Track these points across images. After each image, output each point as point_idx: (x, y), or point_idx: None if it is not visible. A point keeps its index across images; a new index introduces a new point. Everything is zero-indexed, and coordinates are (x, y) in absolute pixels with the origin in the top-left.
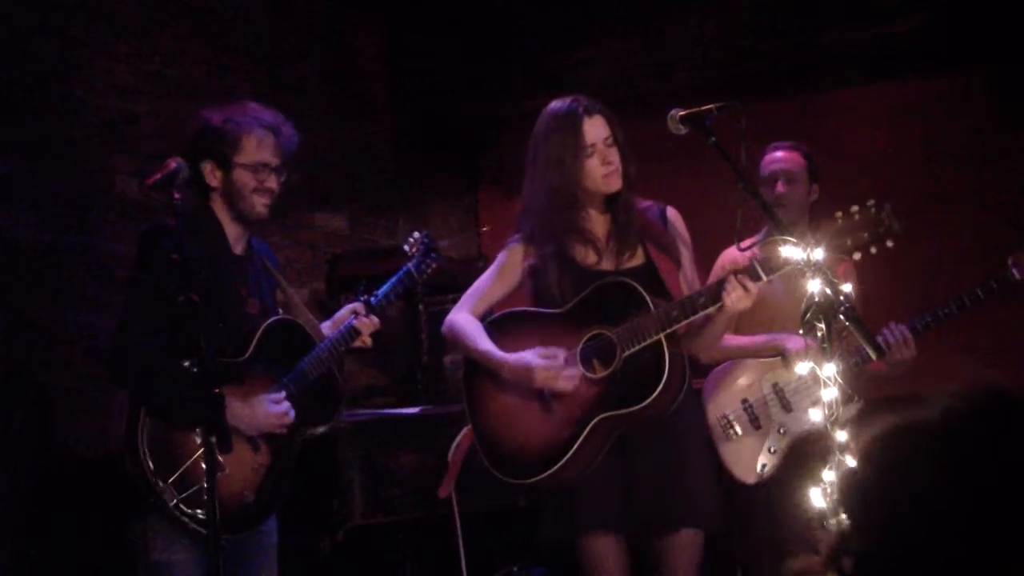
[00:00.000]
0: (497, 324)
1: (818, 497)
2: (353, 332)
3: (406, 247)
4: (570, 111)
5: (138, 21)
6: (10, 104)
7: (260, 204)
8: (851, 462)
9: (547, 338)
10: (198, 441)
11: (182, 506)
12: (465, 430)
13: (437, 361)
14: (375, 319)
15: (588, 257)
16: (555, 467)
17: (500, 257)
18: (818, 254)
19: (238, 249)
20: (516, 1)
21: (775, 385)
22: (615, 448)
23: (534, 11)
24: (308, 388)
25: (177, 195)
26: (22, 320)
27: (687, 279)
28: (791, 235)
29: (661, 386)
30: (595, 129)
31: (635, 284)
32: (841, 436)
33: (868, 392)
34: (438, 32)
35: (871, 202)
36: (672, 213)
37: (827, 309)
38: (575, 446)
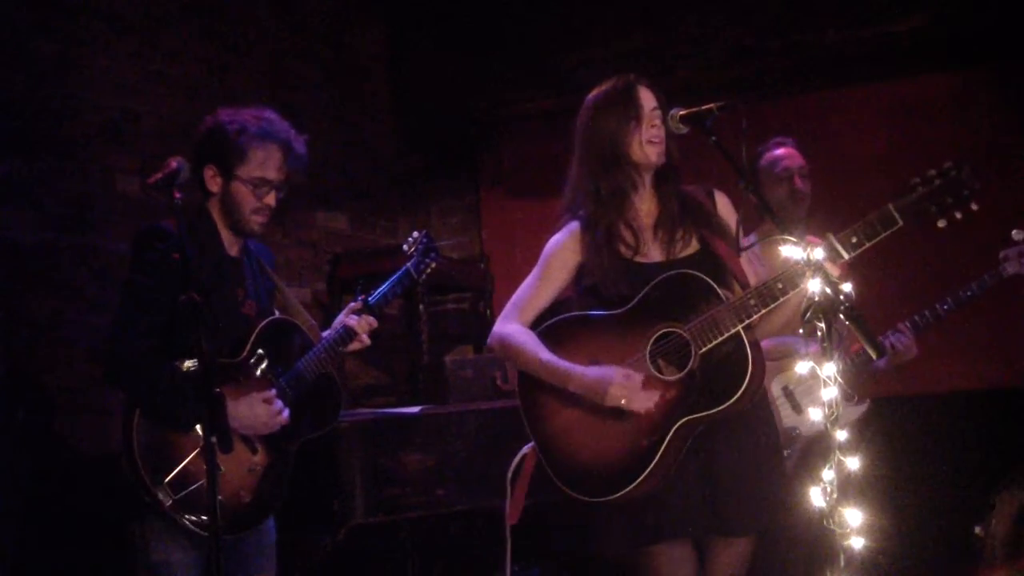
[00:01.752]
0: (551, 332)
1: (818, 497)
2: (349, 332)
3: (405, 246)
4: (623, 81)
5: (139, 20)
6: (11, 103)
7: (255, 221)
8: (852, 463)
9: (610, 343)
10: (194, 441)
11: (178, 506)
12: (526, 450)
13: (438, 361)
14: (371, 318)
15: (639, 249)
16: (639, 479)
17: (547, 258)
18: (818, 253)
19: (233, 251)
20: (518, 1)
21: (785, 388)
22: (691, 448)
23: (536, 11)
24: (307, 389)
25: (178, 194)
26: (22, 319)
27: (750, 264)
28: (792, 233)
29: (747, 381)
30: (646, 97)
31: (701, 275)
32: (841, 436)
33: (875, 392)
34: (440, 32)
35: (948, 164)
36: (720, 195)
37: (828, 308)
38: (658, 455)
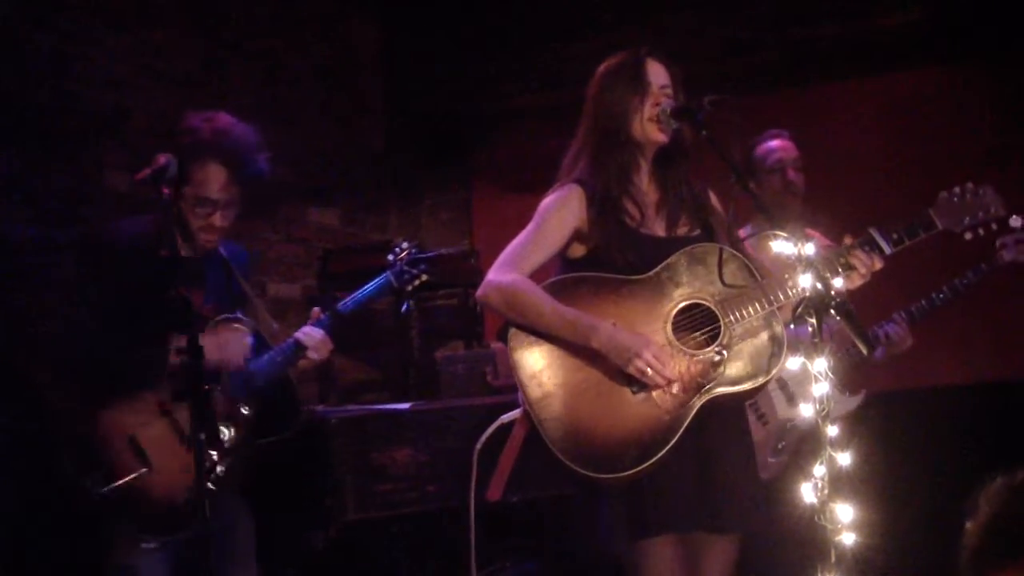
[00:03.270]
0: (561, 288)
1: (809, 492)
2: (298, 347)
3: (391, 256)
4: (633, 54)
5: (132, 15)
6: (3, 98)
7: (202, 239)
8: (843, 458)
9: (628, 308)
10: (120, 430)
11: (109, 501)
12: (507, 418)
13: (428, 357)
14: (321, 337)
15: (643, 223)
16: (658, 455)
17: (544, 216)
18: (809, 248)
19: (185, 250)
20: None
21: (779, 379)
22: (693, 431)
23: (528, 7)
24: (257, 393)
25: (166, 190)
26: (12, 314)
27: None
28: (787, 226)
29: (782, 360)
30: (656, 72)
31: (735, 251)
32: (832, 431)
33: (868, 386)
34: (433, 28)
35: (971, 184)
36: (712, 193)
37: (818, 303)
38: (680, 430)
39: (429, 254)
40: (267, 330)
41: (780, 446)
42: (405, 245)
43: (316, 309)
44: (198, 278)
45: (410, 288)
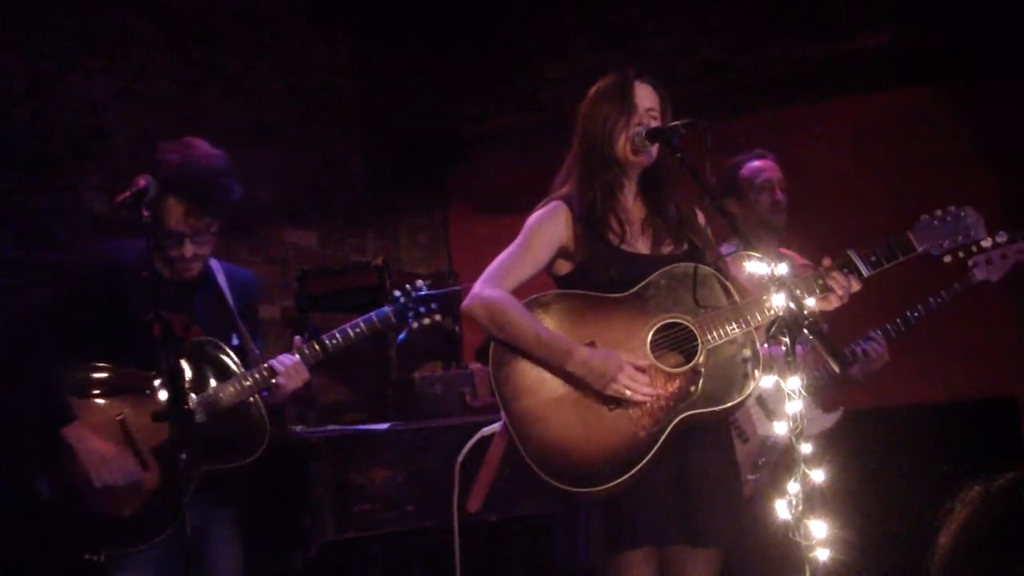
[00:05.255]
0: (542, 305)
1: (784, 509)
2: (269, 371)
3: (398, 292)
4: (621, 75)
5: (108, 36)
6: None
7: (179, 268)
8: (817, 475)
9: (607, 326)
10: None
11: (61, 519)
12: (487, 432)
13: (407, 377)
14: (293, 364)
15: (625, 239)
16: (633, 471)
17: (530, 233)
18: (782, 268)
19: (168, 273)
20: (488, 19)
21: (759, 396)
22: (672, 447)
23: (506, 29)
24: (220, 416)
25: (146, 212)
26: None
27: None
28: (763, 246)
29: (756, 380)
30: (644, 94)
31: (715, 271)
32: (806, 448)
33: (849, 403)
34: (410, 49)
35: (952, 207)
36: (699, 212)
37: (791, 323)
38: (656, 447)
39: (436, 292)
40: (252, 357)
41: (760, 462)
42: (419, 283)
43: (298, 338)
44: (183, 302)
45: (416, 325)
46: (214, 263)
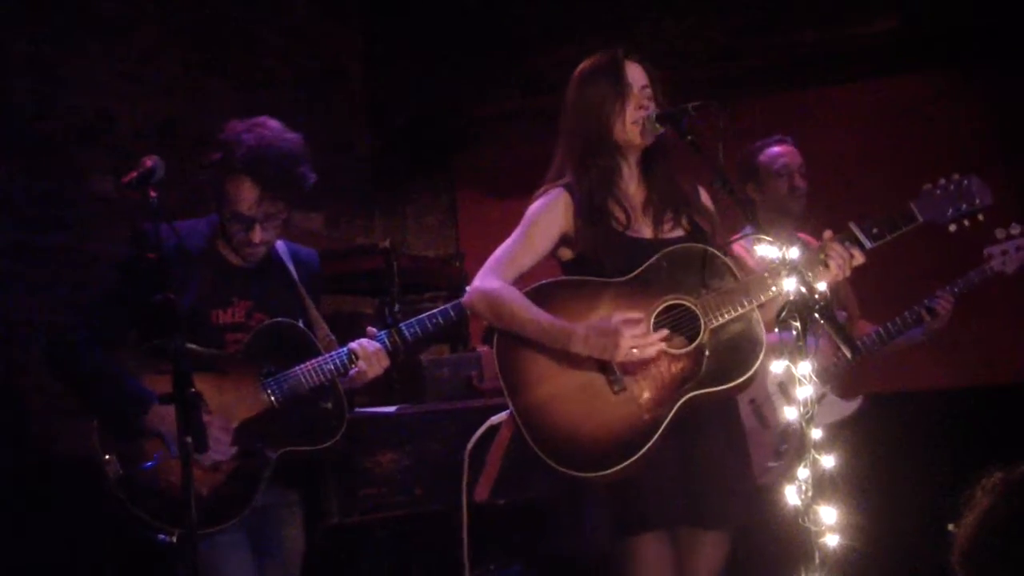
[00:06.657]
0: (542, 294)
1: (793, 495)
2: (351, 355)
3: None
4: (610, 55)
5: (113, 19)
6: None
7: (244, 253)
8: (828, 461)
9: (611, 310)
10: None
11: (126, 486)
12: (495, 420)
13: (414, 360)
14: (375, 350)
15: (630, 225)
16: (638, 454)
17: (530, 222)
18: (793, 252)
19: (233, 259)
20: (496, 1)
21: (779, 382)
22: (677, 429)
23: (513, 11)
24: (298, 398)
25: (154, 193)
26: None
27: (750, 255)
28: (781, 230)
29: (759, 360)
30: (635, 73)
31: (715, 251)
32: (817, 434)
33: (864, 388)
34: (417, 33)
35: (956, 175)
36: (702, 190)
37: (803, 308)
38: (661, 429)
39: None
40: (323, 337)
41: (782, 448)
42: None
43: (372, 329)
44: (246, 288)
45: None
46: (279, 244)
